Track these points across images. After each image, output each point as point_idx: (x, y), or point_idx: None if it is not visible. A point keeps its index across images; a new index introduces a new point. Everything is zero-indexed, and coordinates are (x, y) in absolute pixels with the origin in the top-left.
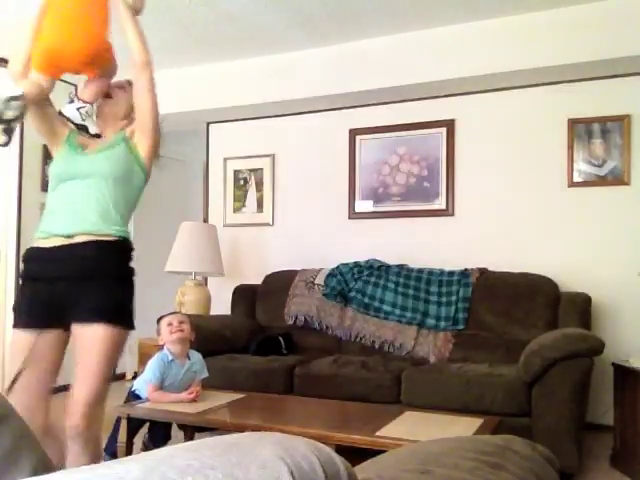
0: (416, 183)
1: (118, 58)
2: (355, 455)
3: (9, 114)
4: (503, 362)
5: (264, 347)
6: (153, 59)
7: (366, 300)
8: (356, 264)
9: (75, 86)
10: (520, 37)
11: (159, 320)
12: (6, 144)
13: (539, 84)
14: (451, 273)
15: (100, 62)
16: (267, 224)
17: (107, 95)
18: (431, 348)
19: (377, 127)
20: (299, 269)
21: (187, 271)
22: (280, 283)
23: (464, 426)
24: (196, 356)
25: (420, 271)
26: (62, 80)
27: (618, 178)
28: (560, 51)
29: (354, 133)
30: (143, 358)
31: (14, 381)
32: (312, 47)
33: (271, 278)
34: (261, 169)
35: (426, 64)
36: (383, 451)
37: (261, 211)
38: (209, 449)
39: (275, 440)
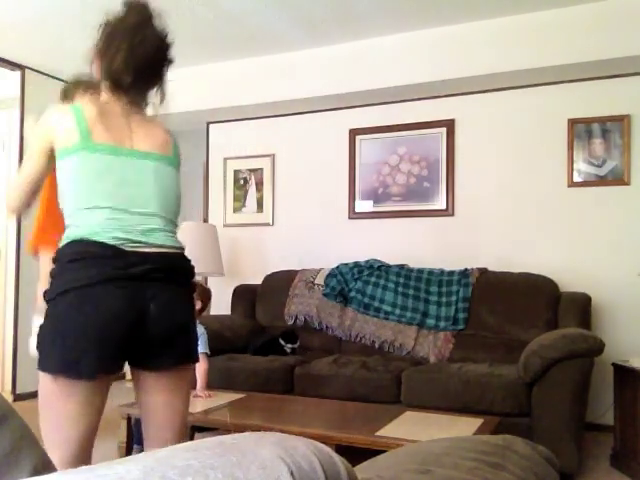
0: (416, 183)
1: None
2: (355, 455)
3: None
4: (503, 362)
5: (265, 350)
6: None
7: (366, 300)
8: (356, 264)
9: None
10: (520, 37)
11: None
12: None
13: (539, 84)
14: (451, 273)
15: None
16: (267, 224)
17: None
18: (431, 348)
19: (377, 127)
20: (299, 269)
21: None
22: (280, 283)
23: (464, 426)
24: (200, 329)
25: (420, 271)
26: (60, 79)
27: (618, 178)
28: (560, 51)
29: (354, 133)
30: None
31: None
32: (312, 47)
33: (271, 278)
34: (261, 169)
35: (426, 64)
36: (383, 451)
37: (261, 211)
38: (209, 449)
39: (275, 440)
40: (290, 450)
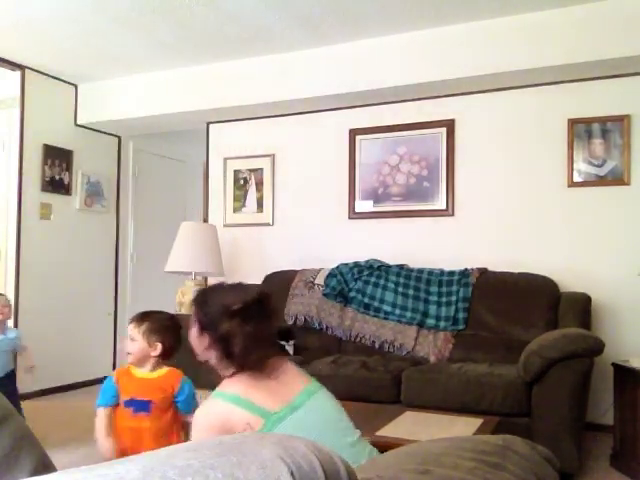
0: (416, 183)
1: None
2: None
3: None
4: (503, 362)
5: None
6: None
7: (366, 300)
8: (356, 264)
9: None
10: (520, 37)
11: None
12: None
13: (539, 84)
14: (451, 273)
15: None
16: (267, 224)
17: None
18: (431, 348)
19: (377, 127)
20: (299, 269)
21: (187, 271)
22: (280, 283)
23: (464, 426)
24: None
25: (420, 271)
26: (60, 79)
27: (618, 178)
28: (560, 51)
29: (354, 133)
30: None
31: None
32: (312, 47)
33: (271, 278)
34: (261, 169)
35: (426, 64)
36: (383, 451)
37: (261, 211)
38: (209, 449)
39: (275, 440)
40: (290, 450)
